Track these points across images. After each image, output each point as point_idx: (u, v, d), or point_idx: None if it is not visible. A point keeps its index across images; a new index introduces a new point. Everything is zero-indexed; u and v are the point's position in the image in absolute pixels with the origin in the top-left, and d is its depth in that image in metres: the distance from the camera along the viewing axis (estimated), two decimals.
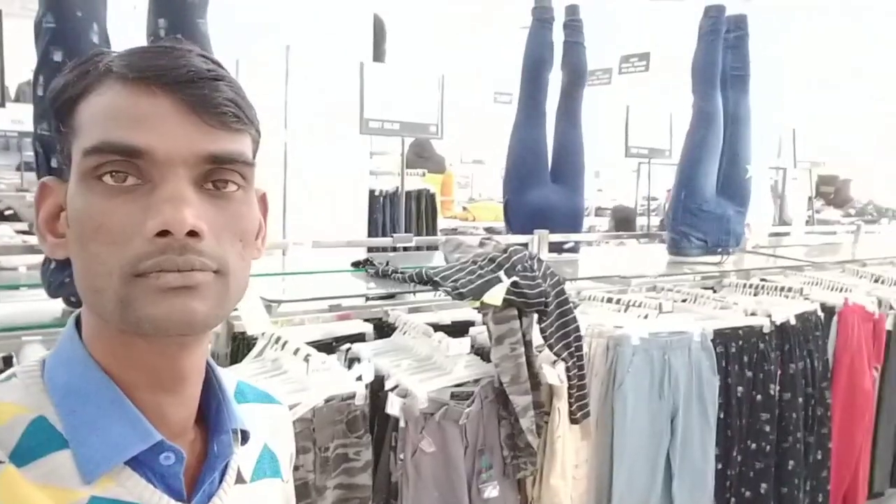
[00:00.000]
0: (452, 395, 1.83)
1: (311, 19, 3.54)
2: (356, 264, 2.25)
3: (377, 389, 1.81)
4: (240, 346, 1.94)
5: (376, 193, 3.89)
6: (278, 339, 1.76)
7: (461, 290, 1.86)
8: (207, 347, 0.62)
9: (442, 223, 5.61)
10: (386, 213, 3.91)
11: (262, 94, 3.86)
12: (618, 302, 2.54)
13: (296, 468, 1.58)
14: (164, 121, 0.52)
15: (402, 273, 2.08)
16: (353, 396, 1.69)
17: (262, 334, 1.81)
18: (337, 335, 2.24)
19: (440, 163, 7.59)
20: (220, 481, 0.62)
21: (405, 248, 3.08)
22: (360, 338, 2.28)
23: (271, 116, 3.69)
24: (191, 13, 1.60)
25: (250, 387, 0.75)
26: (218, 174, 0.55)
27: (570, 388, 2.06)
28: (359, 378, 1.72)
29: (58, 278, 1.53)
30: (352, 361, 1.93)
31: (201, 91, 0.53)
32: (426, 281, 1.96)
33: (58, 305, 1.63)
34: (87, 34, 1.48)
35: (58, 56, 1.47)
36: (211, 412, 0.63)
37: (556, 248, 2.93)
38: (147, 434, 0.55)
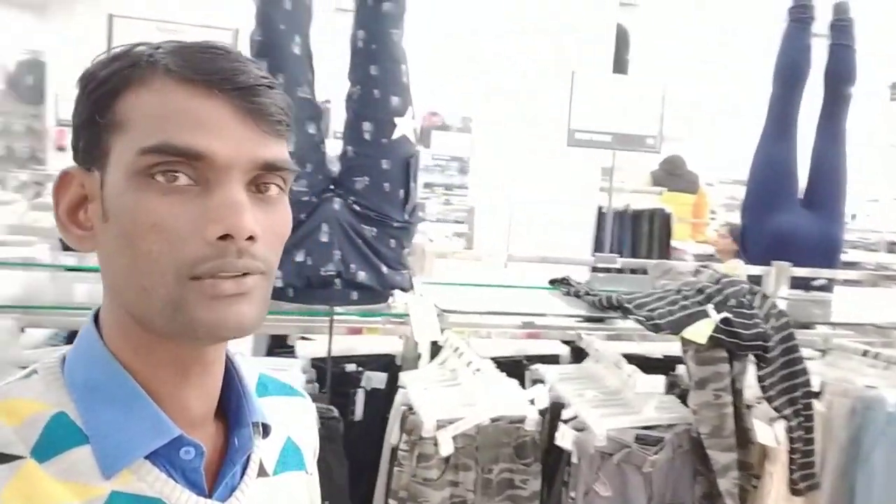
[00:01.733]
0: (638, 438, 1.63)
1: (553, 30, 3.49)
2: (553, 282, 2.13)
3: (554, 417, 1.68)
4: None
5: (604, 211, 3.71)
6: (457, 349, 1.72)
7: (657, 322, 1.65)
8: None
9: (694, 248, 5.19)
10: (613, 232, 3.71)
11: (498, 107, 3.92)
12: (875, 356, 2.08)
13: (454, 484, 1.54)
14: (224, 126, 0.53)
15: (594, 295, 1.92)
16: (523, 420, 1.59)
17: (446, 341, 1.79)
18: (529, 354, 2.15)
19: (693, 181, 7.05)
20: (242, 475, 0.61)
21: (618, 270, 2.88)
22: (553, 359, 2.17)
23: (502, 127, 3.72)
24: (386, 24, 1.65)
25: (272, 379, 0.73)
26: (264, 178, 0.56)
27: (792, 451, 1.73)
28: (531, 402, 1.61)
29: None
30: (535, 383, 1.83)
31: (260, 98, 0.54)
32: (616, 307, 1.78)
33: None
34: (288, 46, 1.60)
35: (263, 66, 1.59)
36: (231, 406, 0.62)
37: (802, 284, 2.50)
38: (166, 429, 0.55)
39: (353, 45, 1.68)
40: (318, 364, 1.88)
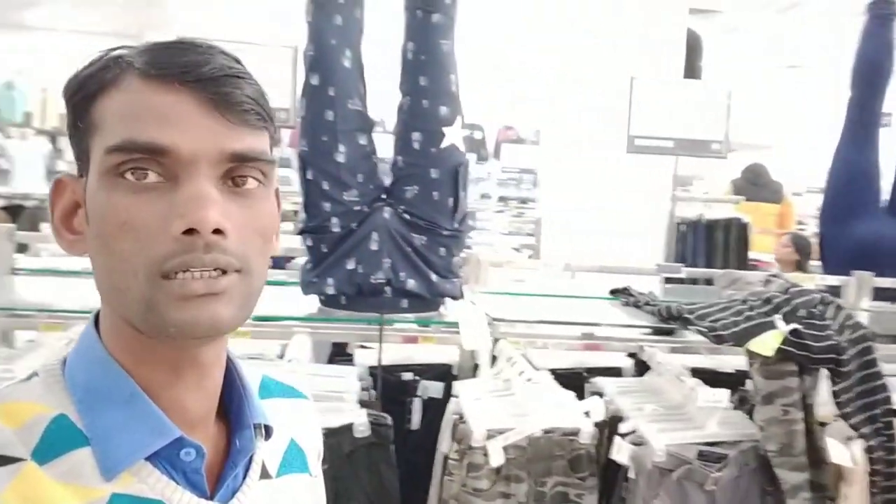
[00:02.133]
0: (700, 455, 1.56)
1: (621, 38, 3.44)
2: (614, 292, 2.08)
3: (613, 431, 1.63)
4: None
5: (677, 220, 3.60)
6: (510, 358, 1.70)
7: (720, 333, 1.59)
8: (226, 341, 0.61)
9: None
10: (688, 242, 3.58)
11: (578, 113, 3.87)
12: None
13: (506, 496, 1.52)
14: (187, 119, 0.52)
15: (654, 305, 1.86)
16: (577, 433, 1.55)
17: (500, 352, 1.77)
18: (589, 366, 2.10)
19: (777, 191, 6.73)
20: (244, 477, 0.61)
21: (692, 281, 2.78)
22: (615, 372, 2.11)
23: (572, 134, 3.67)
24: (435, 35, 1.67)
25: (275, 381, 0.72)
26: (238, 171, 0.55)
27: (873, 473, 1.61)
28: (586, 414, 1.57)
29: (307, 278, 1.72)
30: (593, 395, 1.78)
31: (224, 89, 0.53)
32: (677, 317, 1.72)
33: (316, 301, 1.81)
34: (339, 60, 1.65)
35: (314, 80, 1.66)
36: (233, 407, 0.62)
37: (888, 295, 2.34)
38: (167, 430, 0.54)
39: (403, 56, 1.71)
40: (375, 372, 1.90)
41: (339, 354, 2.01)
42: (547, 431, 1.52)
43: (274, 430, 0.64)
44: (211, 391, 0.59)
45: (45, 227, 2.73)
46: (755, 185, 6.40)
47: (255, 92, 0.56)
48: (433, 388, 1.89)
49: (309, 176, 1.64)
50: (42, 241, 2.54)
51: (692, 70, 3.59)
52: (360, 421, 1.47)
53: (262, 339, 1.79)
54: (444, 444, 1.56)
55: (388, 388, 1.88)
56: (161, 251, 0.51)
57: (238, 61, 0.56)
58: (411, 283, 1.66)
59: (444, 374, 1.94)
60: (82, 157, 0.56)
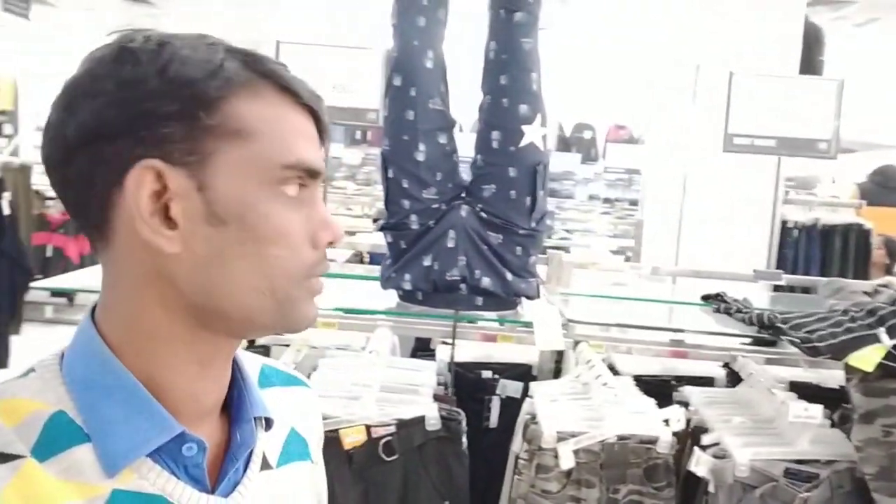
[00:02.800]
0: (787, 472, 1.47)
1: (729, 34, 3.27)
2: (706, 298, 1.99)
3: (696, 442, 1.57)
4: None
5: (790, 225, 3.37)
6: (588, 361, 1.67)
7: (816, 345, 1.49)
8: None
9: None
10: (799, 248, 3.35)
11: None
12: None
13: (576, 500, 1.50)
14: (316, 142, 0.59)
15: (745, 312, 1.76)
16: (654, 441, 1.50)
17: (579, 354, 1.74)
18: (679, 374, 2.02)
19: None
20: (245, 470, 0.61)
21: (804, 290, 2.61)
22: (707, 382, 2.02)
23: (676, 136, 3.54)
24: (517, 34, 1.66)
25: (275, 370, 0.73)
26: None
27: None
28: (665, 422, 1.52)
29: (386, 273, 1.76)
30: (680, 405, 1.72)
31: (325, 118, 0.60)
32: (769, 326, 1.62)
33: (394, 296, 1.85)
34: (421, 60, 1.67)
35: (397, 81, 1.70)
36: (233, 400, 0.62)
37: None
38: (168, 426, 0.54)
39: (485, 56, 1.72)
40: (454, 368, 1.92)
41: (422, 349, 2.05)
42: (622, 438, 1.49)
43: (274, 420, 0.64)
44: (225, 380, 0.61)
45: None
46: (885, 188, 5.90)
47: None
48: (512, 388, 1.89)
49: (390, 174, 1.68)
50: None
51: (811, 65, 3.35)
52: (432, 414, 1.49)
53: (348, 331, 1.86)
54: (516, 444, 1.56)
55: (467, 384, 1.90)
56: (311, 258, 0.58)
57: None
58: (486, 281, 1.67)
59: (523, 373, 1.94)
60: (192, 150, 0.52)
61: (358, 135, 8.13)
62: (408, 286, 1.70)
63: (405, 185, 1.67)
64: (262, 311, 0.56)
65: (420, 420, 1.50)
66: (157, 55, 0.53)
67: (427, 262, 1.67)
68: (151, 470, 0.54)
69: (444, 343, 2.06)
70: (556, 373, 1.89)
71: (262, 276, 0.55)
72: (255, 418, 0.62)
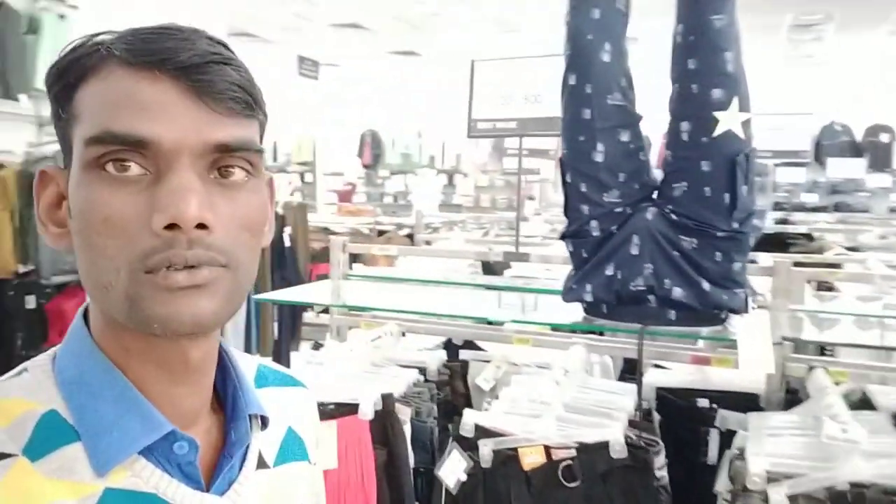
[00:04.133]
0: None
1: None
2: None
3: None
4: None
5: None
6: (821, 390, 1.38)
7: None
8: (218, 335, 0.59)
9: None
10: None
11: None
12: None
13: None
14: (169, 108, 0.50)
15: None
16: None
17: (813, 381, 1.45)
18: None
19: None
20: (241, 468, 0.59)
21: None
22: None
23: None
24: (706, 11, 1.43)
25: (272, 370, 0.70)
26: (224, 162, 0.53)
27: None
28: None
29: (567, 284, 1.63)
30: None
31: (208, 76, 0.51)
32: None
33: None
34: (596, 54, 1.52)
35: (572, 80, 1.57)
36: (228, 399, 0.61)
37: None
38: (158, 424, 0.54)
39: (673, 42, 1.53)
40: (662, 394, 1.73)
41: (631, 371, 1.89)
42: (855, 485, 1.19)
43: (271, 420, 0.63)
44: (202, 387, 0.58)
45: (392, 248, 3.16)
46: None
47: (242, 78, 0.53)
48: (734, 420, 1.64)
49: (567, 179, 1.58)
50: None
51: None
52: (616, 440, 1.35)
53: (543, 348, 1.79)
54: (720, 483, 1.35)
55: (678, 413, 1.70)
56: (143, 247, 0.50)
57: (226, 46, 0.54)
58: (678, 292, 1.46)
59: (748, 403, 1.67)
60: (66, 149, 0.54)
61: None
62: (589, 297, 1.57)
63: (583, 188, 1.55)
64: (116, 309, 0.51)
65: (604, 445, 1.37)
66: (48, 71, 0.55)
67: (609, 271, 1.53)
68: (145, 468, 0.54)
69: (657, 366, 1.88)
70: (790, 404, 1.60)
71: (98, 269, 0.51)
72: (250, 416, 0.60)
